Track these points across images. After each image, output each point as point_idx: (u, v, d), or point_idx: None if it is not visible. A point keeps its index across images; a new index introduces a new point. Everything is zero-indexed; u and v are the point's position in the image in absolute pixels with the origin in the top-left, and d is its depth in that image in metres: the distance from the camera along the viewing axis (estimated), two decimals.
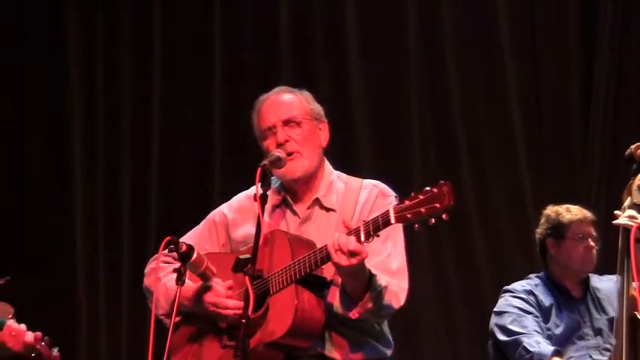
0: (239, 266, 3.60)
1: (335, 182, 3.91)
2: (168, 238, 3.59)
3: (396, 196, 3.84)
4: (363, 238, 3.49)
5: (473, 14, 6.66)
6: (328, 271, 3.68)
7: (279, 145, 3.80)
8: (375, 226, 3.49)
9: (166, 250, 3.66)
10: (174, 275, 3.61)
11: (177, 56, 6.93)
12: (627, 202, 4.18)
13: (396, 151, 6.61)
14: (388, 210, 3.47)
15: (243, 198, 3.99)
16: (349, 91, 6.67)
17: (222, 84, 6.79)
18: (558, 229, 5.17)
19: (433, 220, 3.41)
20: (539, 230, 5.26)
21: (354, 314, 3.63)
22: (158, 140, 6.82)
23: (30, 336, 4.03)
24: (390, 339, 3.86)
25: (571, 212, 5.19)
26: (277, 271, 3.66)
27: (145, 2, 6.96)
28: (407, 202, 3.44)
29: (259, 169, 3.67)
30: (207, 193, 6.67)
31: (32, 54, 6.99)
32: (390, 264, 3.73)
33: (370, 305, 3.62)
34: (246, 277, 3.53)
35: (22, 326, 4.07)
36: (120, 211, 6.81)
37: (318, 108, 3.94)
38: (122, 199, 6.83)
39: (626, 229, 4.01)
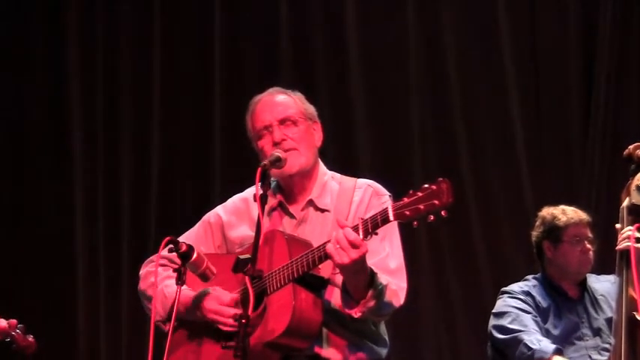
0: (239, 266, 3.59)
1: (329, 183, 3.90)
2: (168, 238, 3.58)
3: (390, 195, 3.83)
4: (361, 236, 3.47)
5: (473, 14, 6.66)
6: (325, 270, 3.68)
7: (276, 144, 3.79)
8: (374, 224, 3.47)
9: (166, 250, 3.65)
10: (172, 281, 3.60)
11: (178, 56, 6.93)
12: (626, 203, 4.19)
13: (396, 151, 6.61)
14: (387, 207, 3.45)
15: (238, 200, 3.99)
16: (349, 91, 6.67)
17: (222, 83, 6.79)
18: (554, 232, 5.12)
19: (432, 217, 3.40)
20: (534, 233, 5.21)
21: (355, 313, 3.62)
22: (158, 140, 6.82)
23: (3, 322, 4.17)
24: (387, 339, 3.86)
25: (567, 215, 5.14)
26: (274, 270, 3.65)
27: (145, 3, 6.96)
28: (405, 200, 3.42)
29: (259, 169, 3.66)
30: (208, 193, 6.67)
31: (32, 54, 7.00)
32: (388, 263, 3.73)
33: (372, 304, 3.60)
34: (246, 277, 3.52)
35: None
36: (120, 211, 6.81)
37: (311, 108, 3.93)
38: (122, 198, 6.83)
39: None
